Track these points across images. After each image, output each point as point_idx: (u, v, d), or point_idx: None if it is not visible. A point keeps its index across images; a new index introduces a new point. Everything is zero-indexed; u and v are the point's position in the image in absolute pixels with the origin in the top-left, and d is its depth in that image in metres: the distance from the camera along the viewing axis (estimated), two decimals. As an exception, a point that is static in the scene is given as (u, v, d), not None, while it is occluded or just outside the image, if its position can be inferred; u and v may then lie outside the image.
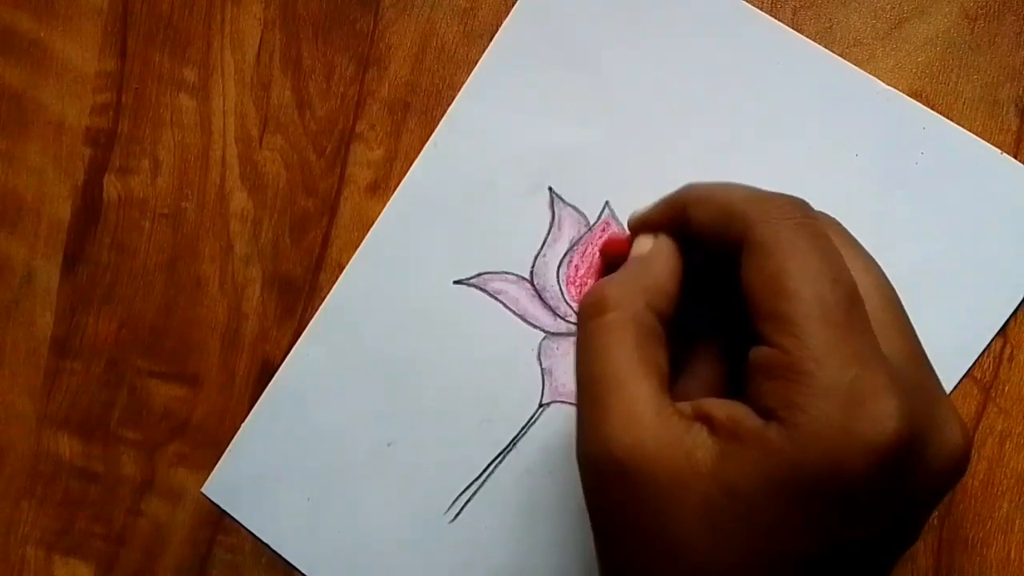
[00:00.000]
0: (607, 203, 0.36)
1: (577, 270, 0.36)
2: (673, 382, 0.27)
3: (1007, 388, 0.35)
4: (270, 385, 0.38)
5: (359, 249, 0.37)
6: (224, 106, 0.38)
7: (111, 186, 0.39)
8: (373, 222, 0.38)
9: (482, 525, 0.37)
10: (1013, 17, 0.35)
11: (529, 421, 0.36)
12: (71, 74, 0.39)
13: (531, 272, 0.37)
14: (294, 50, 0.38)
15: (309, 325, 0.38)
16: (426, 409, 0.37)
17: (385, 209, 0.37)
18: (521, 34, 0.37)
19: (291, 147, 0.38)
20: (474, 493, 0.37)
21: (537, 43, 0.37)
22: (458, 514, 0.37)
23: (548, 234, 0.37)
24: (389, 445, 0.37)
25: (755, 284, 0.25)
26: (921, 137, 0.35)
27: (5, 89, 0.39)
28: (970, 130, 0.35)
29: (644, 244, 0.29)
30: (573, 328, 0.36)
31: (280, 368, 0.38)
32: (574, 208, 0.36)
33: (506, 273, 0.37)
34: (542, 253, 0.37)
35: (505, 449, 0.37)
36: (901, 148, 0.35)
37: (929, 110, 0.35)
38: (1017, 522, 0.35)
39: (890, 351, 0.24)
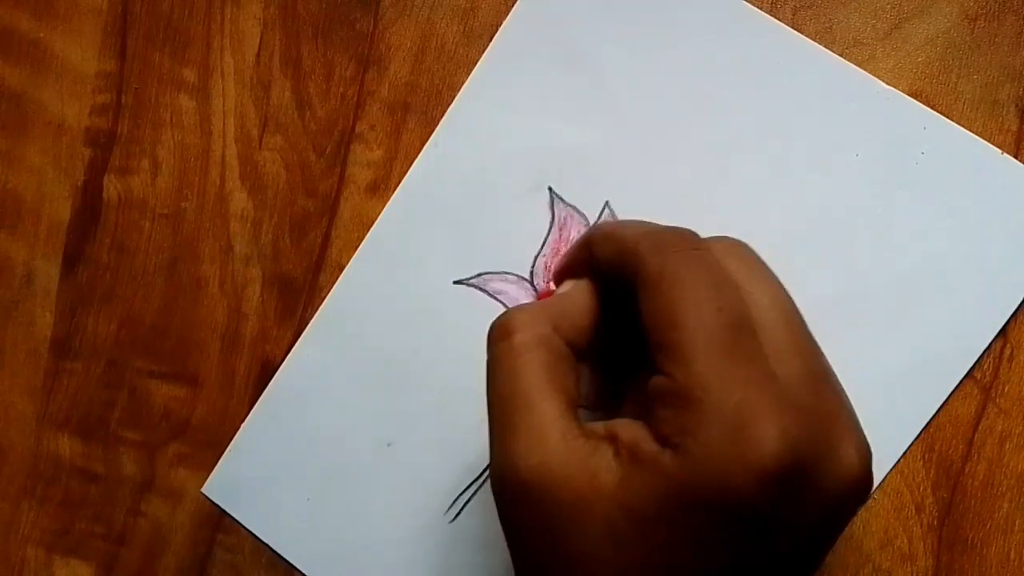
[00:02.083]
0: (607, 203, 0.36)
1: None
2: (616, 413, 0.29)
3: (1007, 388, 0.35)
4: (270, 385, 0.38)
5: (359, 249, 0.37)
6: (224, 106, 0.38)
7: (111, 186, 0.39)
8: (373, 222, 0.38)
9: (482, 525, 0.37)
10: (1013, 17, 0.35)
11: None
12: (71, 74, 0.39)
13: (531, 272, 0.37)
14: (294, 50, 0.38)
15: (309, 325, 0.38)
16: (426, 409, 0.37)
17: (385, 209, 0.37)
18: (521, 34, 0.37)
19: (291, 147, 0.38)
20: (474, 493, 0.37)
21: (537, 43, 0.37)
22: (458, 514, 0.37)
23: (548, 234, 0.37)
24: (389, 445, 0.37)
25: (648, 316, 0.26)
26: (921, 137, 0.35)
27: (5, 89, 0.40)
28: (970, 130, 0.35)
29: (563, 287, 0.30)
30: None
31: (280, 368, 0.38)
32: (574, 208, 0.36)
33: (506, 273, 0.37)
34: (542, 253, 0.37)
35: None
36: (901, 148, 0.35)
37: (929, 110, 0.35)
38: (1017, 522, 0.35)
39: (783, 372, 0.25)
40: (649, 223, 0.29)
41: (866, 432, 0.26)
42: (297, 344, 0.38)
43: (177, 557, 0.38)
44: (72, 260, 0.39)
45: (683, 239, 0.27)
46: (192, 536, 0.38)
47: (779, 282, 0.28)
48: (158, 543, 0.39)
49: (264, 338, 0.38)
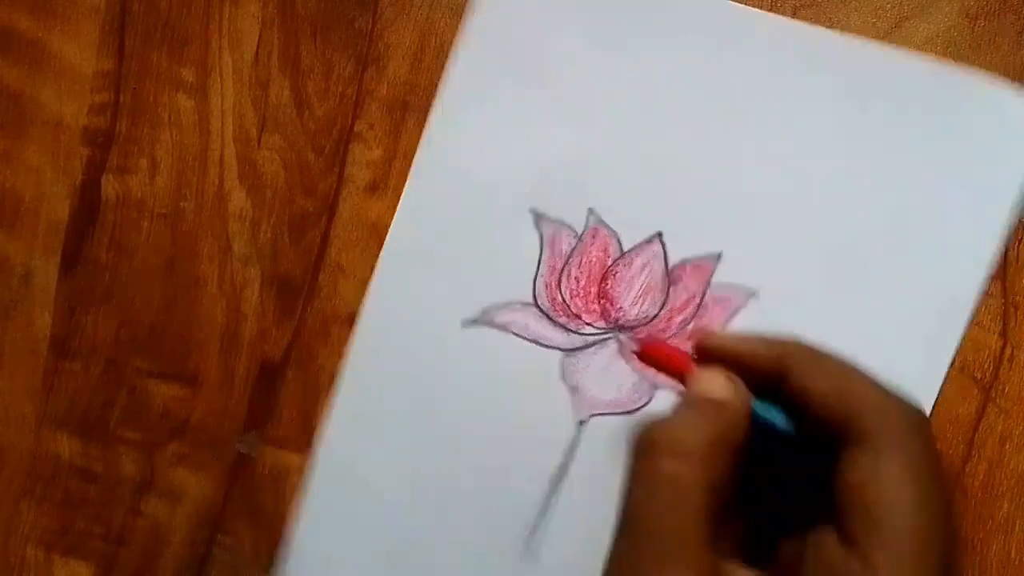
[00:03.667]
0: (591, 210, 0.36)
1: (578, 282, 0.36)
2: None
3: (1007, 388, 0.35)
4: (312, 477, 0.37)
5: (360, 319, 0.37)
6: (222, 106, 0.38)
7: (109, 186, 0.39)
8: (372, 222, 0.37)
9: (557, 561, 0.36)
10: (1013, 17, 0.35)
11: (574, 442, 0.36)
12: (69, 74, 0.39)
13: (534, 295, 0.36)
14: (292, 49, 0.38)
15: (332, 409, 0.37)
16: (470, 463, 0.36)
17: (378, 268, 0.37)
18: (476, 59, 0.37)
19: (290, 147, 0.38)
20: (541, 527, 0.36)
21: (493, 66, 0.37)
22: (533, 550, 0.36)
23: (541, 254, 0.37)
24: (442, 504, 0.37)
25: (853, 495, 0.24)
26: (893, 78, 0.35)
27: (3, 89, 0.39)
28: (970, 130, 0.35)
29: (716, 384, 0.27)
30: (588, 340, 0.36)
31: (316, 458, 0.37)
32: (560, 222, 0.36)
33: (510, 303, 0.37)
34: (540, 273, 0.36)
35: (558, 477, 0.36)
36: (874, 93, 0.35)
37: (896, 48, 0.35)
38: (1017, 523, 0.35)
39: None
40: (871, 378, 0.26)
41: None
42: (326, 431, 0.37)
43: (176, 557, 0.38)
44: (71, 260, 0.39)
45: (921, 425, 0.25)
46: (191, 536, 0.38)
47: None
48: (157, 543, 0.39)
49: (263, 338, 0.38)
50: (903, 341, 0.35)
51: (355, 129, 0.38)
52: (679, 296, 0.36)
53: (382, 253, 0.37)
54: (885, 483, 0.24)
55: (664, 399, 0.36)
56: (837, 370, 0.27)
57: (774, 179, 0.36)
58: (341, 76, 0.38)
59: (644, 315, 0.36)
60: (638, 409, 0.36)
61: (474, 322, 0.37)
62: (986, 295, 0.35)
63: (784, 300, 0.35)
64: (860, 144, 0.35)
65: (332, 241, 0.38)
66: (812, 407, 0.26)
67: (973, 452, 0.35)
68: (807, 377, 0.27)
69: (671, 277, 0.36)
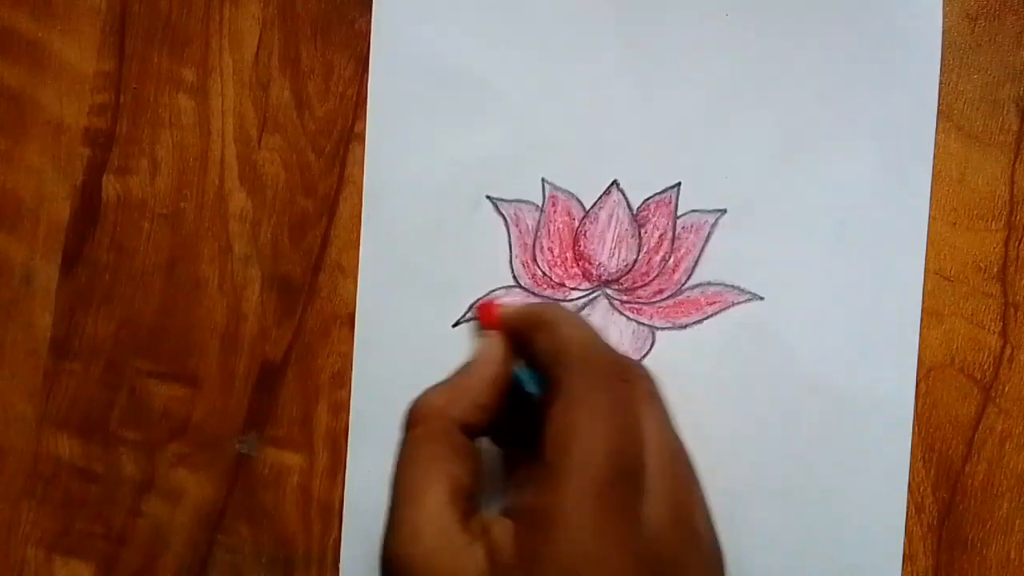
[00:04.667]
0: (544, 180, 0.37)
1: (552, 251, 0.37)
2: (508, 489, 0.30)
3: (1007, 388, 0.35)
4: (346, 510, 0.37)
5: (356, 349, 0.37)
6: (223, 106, 0.38)
7: (110, 186, 0.39)
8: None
9: None
10: (1013, 17, 0.35)
11: None
12: (70, 74, 0.39)
13: (513, 276, 0.37)
14: (293, 50, 0.38)
15: (350, 448, 0.37)
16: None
17: (359, 294, 0.37)
18: (391, 71, 0.37)
19: (290, 147, 0.38)
20: None
21: (409, 71, 0.37)
22: None
23: (509, 236, 0.37)
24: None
25: (550, 430, 0.27)
26: None
27: (4, 89, 0.39)
28: (970, 130, 0.35)
29: (479, 348, 0.32)
30: (578, 303, 0.36)
31: (344, 504, 0.37)
32: (519, 201, 0.37)
33: (493, 291, 0.37)
34: (514, 255, 0.37)
35: None
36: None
37: None
38: (1017, 523, 0.35)
39: (653, 514, 0.26)
40: (592, 332, 0.30)
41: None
42: (348, 465, 0.37)
43: (177, 557, 0.38)
44: (71, 260, 0.39)
45: (619, 368, 0.28)
46: (192, 536, 0.38)
47: (674, 425, 0.29)
48: (158, 543, 0.39)
49: (263, 338, 0.38)
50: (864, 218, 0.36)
51: (355, 129, 0.38)
52: (652, 236, 0.36)
53: (359, 277, 0.37)
54: (567, 419, 0.27)
55: (666, 341, 0.36)
56: (558, 329, 0.30)
57: (710, 102, 0.36)
58: (341, 77, 0.38)
59: (624, 263, 0.36)
60: (643, 357, 0.36)
61: (465, 320, 0.37)
62: (986, 295, 0.35)
63: (747, 212, 0.36)
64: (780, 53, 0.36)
65: (332, 241, 0.38)
66: (540, 365, 0.30)
67: (973, 452, 0.35)
68: (537, 338, 0.30)
69: (638, 220, 0.36)
